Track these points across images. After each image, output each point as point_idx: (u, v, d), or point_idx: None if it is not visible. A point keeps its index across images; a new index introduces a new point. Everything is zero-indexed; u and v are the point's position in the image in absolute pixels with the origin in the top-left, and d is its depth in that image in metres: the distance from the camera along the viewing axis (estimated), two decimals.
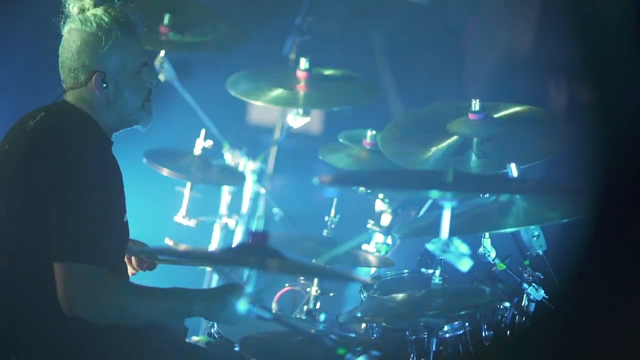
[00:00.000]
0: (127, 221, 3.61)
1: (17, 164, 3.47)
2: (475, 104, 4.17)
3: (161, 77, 5.33)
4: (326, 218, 4.69)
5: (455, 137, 4.13)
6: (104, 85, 3.57)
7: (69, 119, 3.57)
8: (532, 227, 3.80)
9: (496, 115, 4.21)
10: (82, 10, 3.59)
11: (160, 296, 3.42)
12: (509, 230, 3.65)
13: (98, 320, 3.37)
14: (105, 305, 3.37)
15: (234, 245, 5.25)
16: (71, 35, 3.58)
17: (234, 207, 5.52)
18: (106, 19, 3.57)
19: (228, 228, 5.50)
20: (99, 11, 3.58)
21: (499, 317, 3.91)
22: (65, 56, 3.59)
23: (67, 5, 3.61)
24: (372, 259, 4.58)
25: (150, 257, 3.95)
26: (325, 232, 4.72)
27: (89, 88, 3.57)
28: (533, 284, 3.85)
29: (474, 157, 4.06)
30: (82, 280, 3.34)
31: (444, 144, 4.13)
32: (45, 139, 3.49)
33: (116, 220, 3.49)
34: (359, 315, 3.95)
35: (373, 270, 4.65)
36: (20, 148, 3.51)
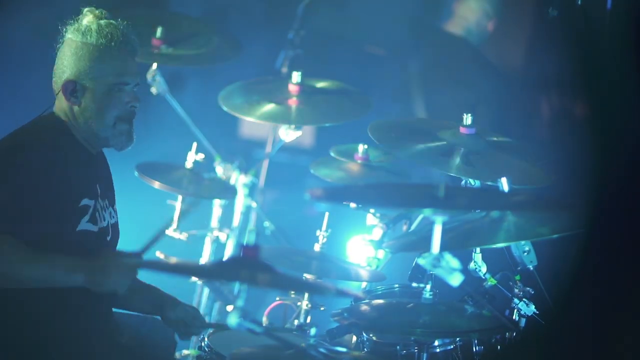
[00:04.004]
0: (103, 228, 3.62)
1: None
2: (467, 118, 4.20)
3: (153, 90, 5.33)
4: (318, 232, 4.68)
5: (443, 142, 4.16)
6: (74, 94, 3.59)
7: (38, 124, 3.60)
8: (523, 242, 3.81)
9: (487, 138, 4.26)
10: (89, 23, 3.62)
11: (42, 261, 3.39)
12: (499, 245, 3.66)
13: None
14: None
15: (225, 258, 5.24)
16: (65, 42, 3.62)
17: (225, 221, 5.51)
18: (94, 32, 3.59)
19: (219, 241, 5.49)
20: (93, 24, 3.60)
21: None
22: (56, 61, 3.63)
23: (80, 17, 3.64)
24: (363, 273, 4.58)
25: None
26: (316, 246, 4.72)
27: (63, 96, 3.60)
28: (524, 299, 3.85)
29: (458, 161, 4.08)
30: None
31: (432, 144, 4.14)
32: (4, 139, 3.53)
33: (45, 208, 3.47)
34: (345, 315, 3.94)
35: (364, 284, 4.65)
36: None
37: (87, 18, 3.64)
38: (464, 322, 3.88)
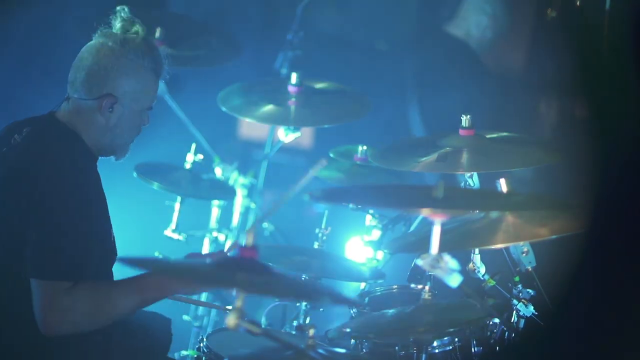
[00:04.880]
0: (114, 239, 3.60)
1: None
2: (466, 120, 4.19)
3: None
4: (317, 230, 4.68)
5: (446, 149, 4.16)
6: (110, 109, 3.55)
7: (53, 138, 3.53)
8: (522, 243, 3.81)
9: (487, 136, 4.25)
10: (126, 31, 3.57)
11: (129, 291, 3.43)
12: (498, 246, 3.65)
13: (76, 332, 3.36)
14: (80, 320, 3.35)
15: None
16: (104, 48, 3.54)
17: (224, 222, 5.51)
18: (144, 52, 3.56)
19: (218, 242, 5.49)
20: (141, 42, 3.56)
21: (489, 333, 3.90)
22: (88, 64, 3.55)
23: (113, 16, 3.60)
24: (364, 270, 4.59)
25: None
26: (316, 245, 4.72)
27: (95, 105, 3.54)
28: (523, 300, 3.85)
29: (465, 160, 4.08)
30: (57, 299, 3.32)
31: (434, 154, 4.14)
32: (26, 159, 3.46)
33: (96, 239, 3.47)
34: (348, 330, 3.94)
35: (363, 285, 4.65)
36: (3, 166, 3.49)
37: (125, 24, 3.59)
38: (460, 314, 3.88)
